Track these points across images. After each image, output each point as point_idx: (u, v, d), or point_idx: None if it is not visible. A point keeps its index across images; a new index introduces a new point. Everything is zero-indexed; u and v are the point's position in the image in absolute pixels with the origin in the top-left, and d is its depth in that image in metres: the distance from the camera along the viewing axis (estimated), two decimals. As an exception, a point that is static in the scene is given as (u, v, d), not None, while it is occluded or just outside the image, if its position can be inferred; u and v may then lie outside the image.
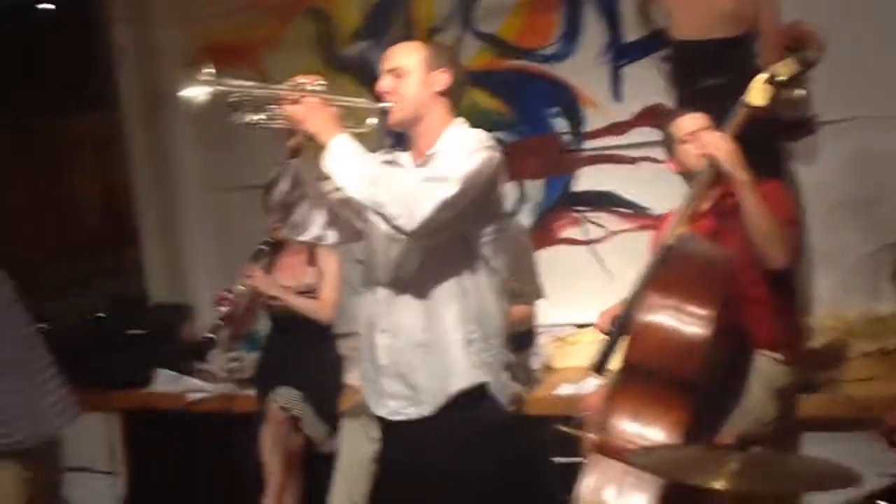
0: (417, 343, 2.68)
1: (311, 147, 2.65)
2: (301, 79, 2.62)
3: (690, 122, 3.45)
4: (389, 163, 2.77)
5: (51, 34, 5.46)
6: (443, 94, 2.72)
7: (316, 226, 2.77)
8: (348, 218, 2.79)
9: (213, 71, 2.48)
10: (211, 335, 4.34)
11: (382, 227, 2.54)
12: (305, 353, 4.26)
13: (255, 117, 2.59)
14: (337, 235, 2.82)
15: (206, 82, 2.47)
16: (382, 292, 2.73)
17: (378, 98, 2.73)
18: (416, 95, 2.69)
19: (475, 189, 2.56)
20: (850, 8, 4.21)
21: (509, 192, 4.81)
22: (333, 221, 2.78)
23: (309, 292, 4.29)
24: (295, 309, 4.24)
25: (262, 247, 4.32)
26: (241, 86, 2.55)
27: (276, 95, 2.58)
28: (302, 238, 2.82)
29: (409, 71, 2.70)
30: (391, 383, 2.73)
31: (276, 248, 4.37)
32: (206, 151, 5.85)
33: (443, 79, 2.71)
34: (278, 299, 4.26)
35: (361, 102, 2.77)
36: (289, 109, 2.56)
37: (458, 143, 2.64)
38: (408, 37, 5.01)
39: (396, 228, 2.50)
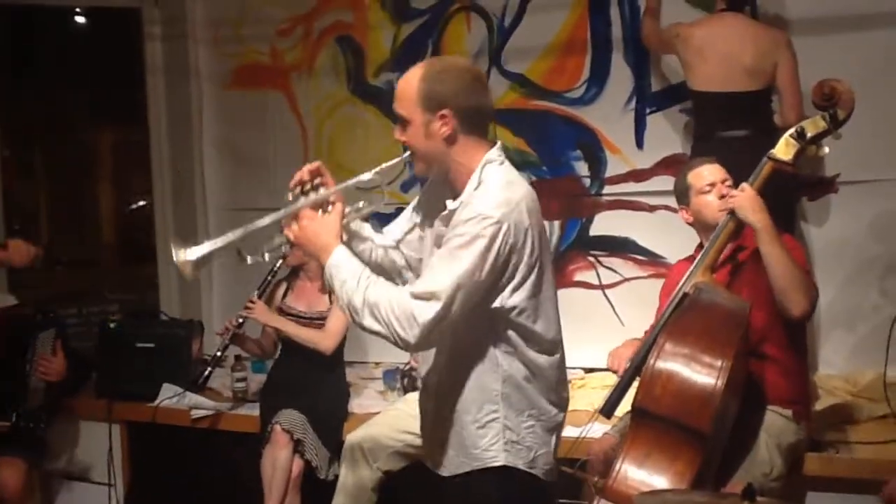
0: (438, 410, 2.59)
1: None
2: (302, 180, 2.52)
3: (712, 173, 3.46)
4: (404, 223, 2.71)
5: (85, 46, 5.52)
6: (452, 137, 2.43)
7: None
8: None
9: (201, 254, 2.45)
10: (207, 369, 4.34)
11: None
12: (312, 379, 4.26)
13: (265, 255, 2.58)
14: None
15: (194, 252, 2.46)
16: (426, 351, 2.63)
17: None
18: (425, 150, 2.46)
19: (468, 286, 2.35)
20: (875, 69, 4.25)
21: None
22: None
23: (320, 319, 4.29)
24: (295, 339, 4.24)
25: (269, 277, 4.31)
26: (225, 241, 2.47)
27: (272, 224, 2.49)
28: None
29: (410, 120, 2.44)
30: (425, 436, 2.70)
31: (293, 272, 4.38)
32: (227, 171, 5.90)
33: (445, 123, 2.41)
34: (277, 329, 4.27)
35: (369, 177, 2.56)
36: (287, 234, 2.50)
37: (457, 230, 2.39)
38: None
39: (399, 343, 2.39)
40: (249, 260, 2.57)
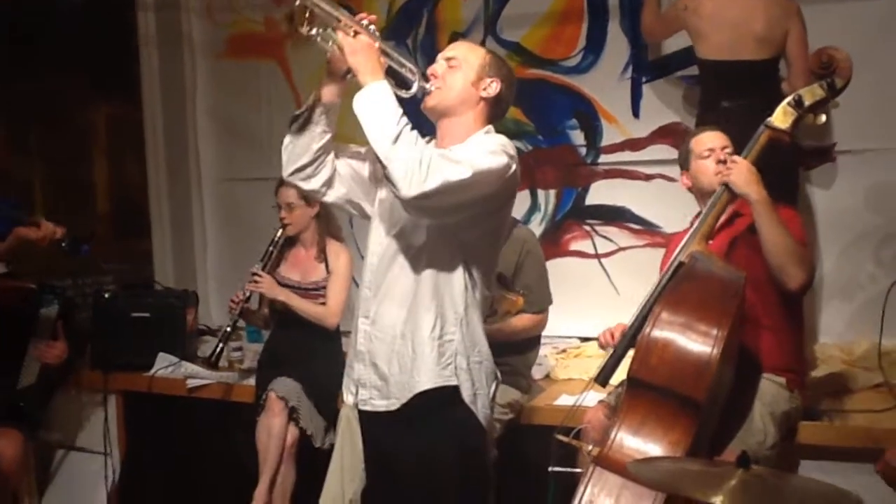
0: (394, 335, 2.66)
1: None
2: (364, 18, 2.57)
3: (712, 139, 3.45)
4: None
5: (78, 19, 5.46)
6: (486, 101, 2.71)
7: (320, 178, 2.74)
8: (355, 187, 2.79)
9: None
10: (219, 345, 4.29)
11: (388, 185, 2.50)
12: (307, 348, 4.24)
13: (311, 30, 2.55)
14: (337, 196, 2.79)
15: None
16: (373, 280, 2.72)
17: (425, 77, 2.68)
18: (461, 89, 2.68)
19: (484, 184, 2.51)
20: (878, 39, 4.22)
21: (522, 200, 4.87)
22: (338, 181, 2.77)
23: (316, 290, 4.28)
24: (299, 313, 4.23)
25: (271, 248, 4.27)
26: None
27: (337, 17, 2.52)
28: (303, 186, 2.76)
29: (465, 65, 2.69)
30: (364, 371, 2.72)
31: (288, 241, 4.36)
32: (221, 142, 5.87)
33: (493, 87, 2.70)
34: (284, 303, 4.25)
35: (409, 68, 2.66)
36: (344, 38, 2.51)
37: (482, 143, 2.61)
38: (432, 40, 5.08)
39: (395, 189, 2.44)
40: (300, 29, 2.55)
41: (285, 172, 2.76)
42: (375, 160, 2.53)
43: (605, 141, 4.90)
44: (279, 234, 4.23)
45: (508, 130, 4.52)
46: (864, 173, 4.36)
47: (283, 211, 4.25)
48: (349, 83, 2.64)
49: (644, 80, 4.82)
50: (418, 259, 2.65)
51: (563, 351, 4.60)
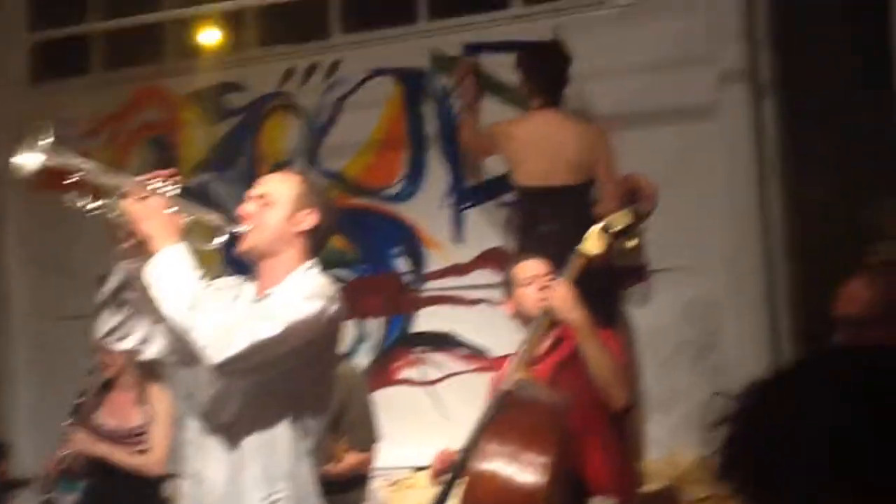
0: (218, 496, 2.49)
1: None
2: (157, 175, 2.46)
3: (533, 267, 3.51)
4: (228, 289, 2.62)
5: None
6: (304, 234, 2.58)
7: (135, 336, 2.55)
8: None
9: (52, 140, 2.32)
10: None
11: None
12: (129, 498, 4.02)
13: (92, 204, 2.41)
14: (157, 350, 2.58)
15: (43, 150, 2.31)
16: (195, 430, 2.55)
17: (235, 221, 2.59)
18: (276, 228, 2.55)
19: (298, 337, 2.39)
20: (680, 164, 4.45)
21: (348, 331, 4.82)
22: (157, 335, 2.56)
23: (136, 436, 4.07)
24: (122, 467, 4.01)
25: (81, 399, 4.06)
26: (83, 166, 2.40)
27: (120, 185, 2.42)
28: (118, 347, 2.61)
29: (278, 201, 2.56)
30: None
31: (106, 385, 4.15)
32: (34, 276, 5.61)
33: (310, 219, 2.58)
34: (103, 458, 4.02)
35: (215, 219, 2.59)
36: (129, 205, 2.39)
37: (297, 286, 2.50)
38: (252, 171, 5.05)
39: (202, 358, 2.32)
40: (79, 203, 2.40)
41: (97, 336, 2.59)
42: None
43: (430, 267, 4.94)
44: (90, 381, 4.02)
45: (333, 260, 4.51)
46: (677, 290, 4.52)
47: (101, 353, 4.05)
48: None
49: (465, 205, 4.90)
50: (242, 413, 2.49)
51: (395, 483, 4.51)
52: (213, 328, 2.30)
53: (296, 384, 2.50)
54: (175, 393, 3.40)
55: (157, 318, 2.51)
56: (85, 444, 3.99)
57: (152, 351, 2.60)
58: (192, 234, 2.56)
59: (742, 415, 0.99)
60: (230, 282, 2.69)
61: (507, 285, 3.58)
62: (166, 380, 4.21)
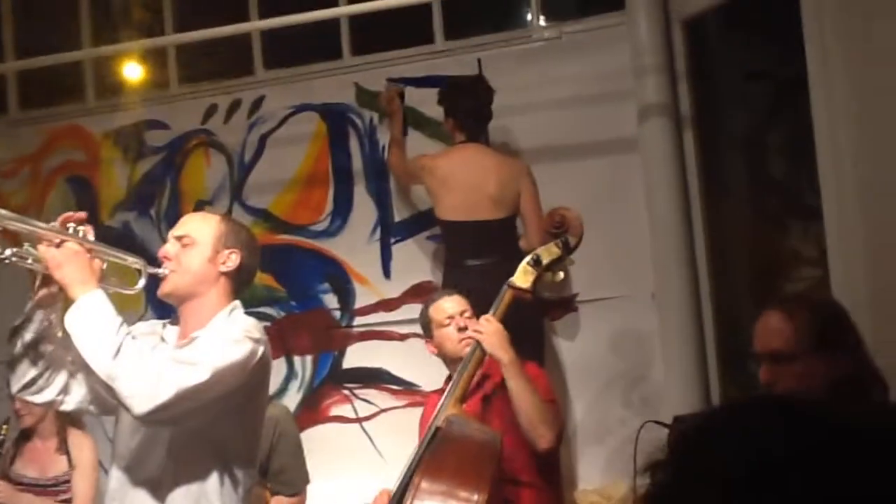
0: None
1: (64, 298, 2.38)
2: (69, 220, 2.37)
3: (451, 306, 3.50)
4: (149, 334, 2.54)
5: None
6: (227, 275, 2.53)
7: (54, 387, 2.45)
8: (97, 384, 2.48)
9: None
10: None
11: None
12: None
13: (6, 251, 2.31)
14: (75, 401, 2.50)
15: None
16: (119, 479, 2.46)
17: (155, 263, 2.53)
18: (198, 269, 2.50)
19: (225, 383, 2.33)
20: (602, 194, 4.50)
21: (278, 368, 4.76)
22: (76, 385, 2.48)
23: (56, 486, 3.94)
24: None
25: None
26: None
27: (33, 232, 2.33)
28: (36, 400, 2.50)
29: (198, 242, 2.52)
30: None
31: (23, 434, 4.02)
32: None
33: (233, 259, 2.53)
34: None
35: (134, 261, 2.52)
36: (44, 251, 2.31)
37: (223, 330, 2.45)
38: (176, 210, 4.97)
39: (127, 408, 2.26)
40: None
41: (13, 389, 2.48)
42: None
43: (359, 303, 4.90)
44: (4, 431, 3.88)
45: (259, 297, 4.46)
46: (605, 321, 4.55)
47: (17, 401, 3.92)
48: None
49: (393, 240, 4.89)
50: (167, 465, 2.41)
51: (328, 524, 4.44)
52: (137, 377, 2.23)
53: (224, 431, 2.44)
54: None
55: (76, 368, 2.44)
56: (7, 494, 3.85)
57: (72, 401, 2.51)
58: (113, 276, 2.50)
59: (668, 462, 0.99)
60: (150, 326, 2.63)
61: (426, 325, 3.56)
62: (87, 426, 4.12)
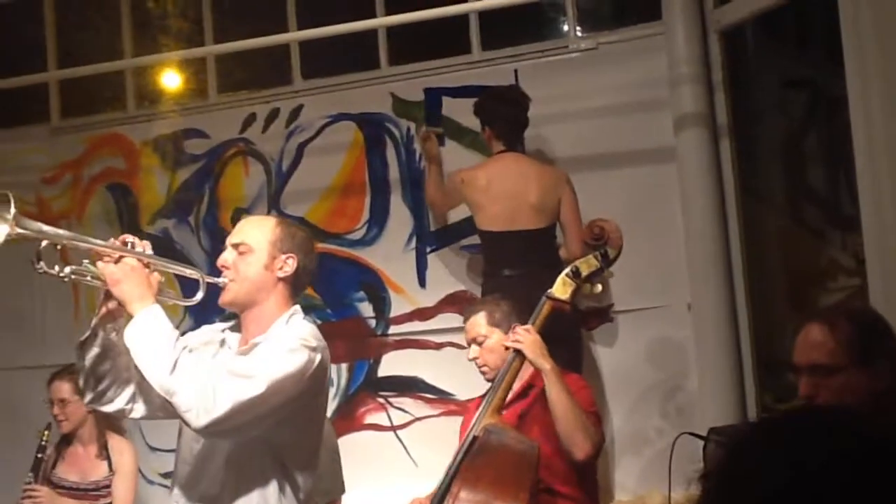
0: None
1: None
2: (128, 238, 2.42)
3: (473, 327, 3.49)
4: (208, 343, 2.56)
5: None
6: (285, 280, 2.52)
7: (124, 397, 2.48)
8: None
9: (15, 211, 2.26)
10: None
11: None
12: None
13: (64, 270, 2.34)
14: (144, 409, 2.52)
15: (7, 221, 2.24)
16: (180, 489, 2.50)
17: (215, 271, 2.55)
18: (256, 277, 2.50)
19: (282, 393, 2.34)
20: (639, 204, 4.49)
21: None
22: (142, 393, 2.49)
23: (97, 490, 3.99)
24: None
25: (39, 455, 3.93)
26: (51, 233, 2.36)
27: (92, 249, 2.38)
28: (105, 409, 2.53)
29: (255, 249, 2.51)
30: None
31: (64, 439, 4.07)
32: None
33: (290, 264, 2.52)
34: None
35: (193, 272, 2.57)
36: (103, 268, 2.35)
37: (280, 339, 2.43)
38: (214, 217, 5.03)
39: (185, 422, 2.29)
40: (42, 268, 2.32)
41: (85, 401, 2.53)
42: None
43: (394, 312, 4.92)
44: (45, 436, 3.93)
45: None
46: (642, 331, 4.55)
47: (56, 407, 3.97)
48: None
49: (428, 250, 4.91)
50: (226, 475, 2.43)
51: (365, 531, 4.46)
52: (194, 392, 2.26)
53: (283, 437, 2.45)
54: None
55: (142, 377, 2.46)
56: (48, 499, 3.89)
57: (141, 409, 2.53)
58: (170, 288, 2.53)
59: (714, 474, 1.01)
60: (210, 333, 2.64)
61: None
62: (127, 432, 4.17)
